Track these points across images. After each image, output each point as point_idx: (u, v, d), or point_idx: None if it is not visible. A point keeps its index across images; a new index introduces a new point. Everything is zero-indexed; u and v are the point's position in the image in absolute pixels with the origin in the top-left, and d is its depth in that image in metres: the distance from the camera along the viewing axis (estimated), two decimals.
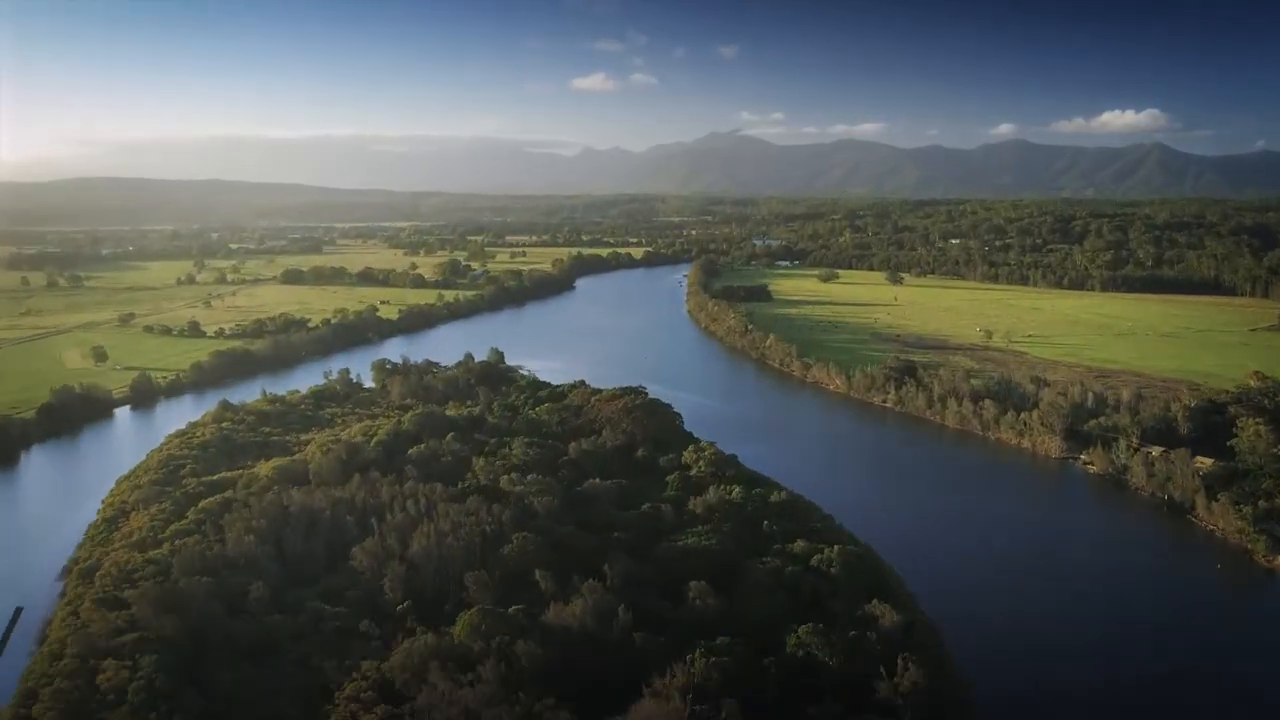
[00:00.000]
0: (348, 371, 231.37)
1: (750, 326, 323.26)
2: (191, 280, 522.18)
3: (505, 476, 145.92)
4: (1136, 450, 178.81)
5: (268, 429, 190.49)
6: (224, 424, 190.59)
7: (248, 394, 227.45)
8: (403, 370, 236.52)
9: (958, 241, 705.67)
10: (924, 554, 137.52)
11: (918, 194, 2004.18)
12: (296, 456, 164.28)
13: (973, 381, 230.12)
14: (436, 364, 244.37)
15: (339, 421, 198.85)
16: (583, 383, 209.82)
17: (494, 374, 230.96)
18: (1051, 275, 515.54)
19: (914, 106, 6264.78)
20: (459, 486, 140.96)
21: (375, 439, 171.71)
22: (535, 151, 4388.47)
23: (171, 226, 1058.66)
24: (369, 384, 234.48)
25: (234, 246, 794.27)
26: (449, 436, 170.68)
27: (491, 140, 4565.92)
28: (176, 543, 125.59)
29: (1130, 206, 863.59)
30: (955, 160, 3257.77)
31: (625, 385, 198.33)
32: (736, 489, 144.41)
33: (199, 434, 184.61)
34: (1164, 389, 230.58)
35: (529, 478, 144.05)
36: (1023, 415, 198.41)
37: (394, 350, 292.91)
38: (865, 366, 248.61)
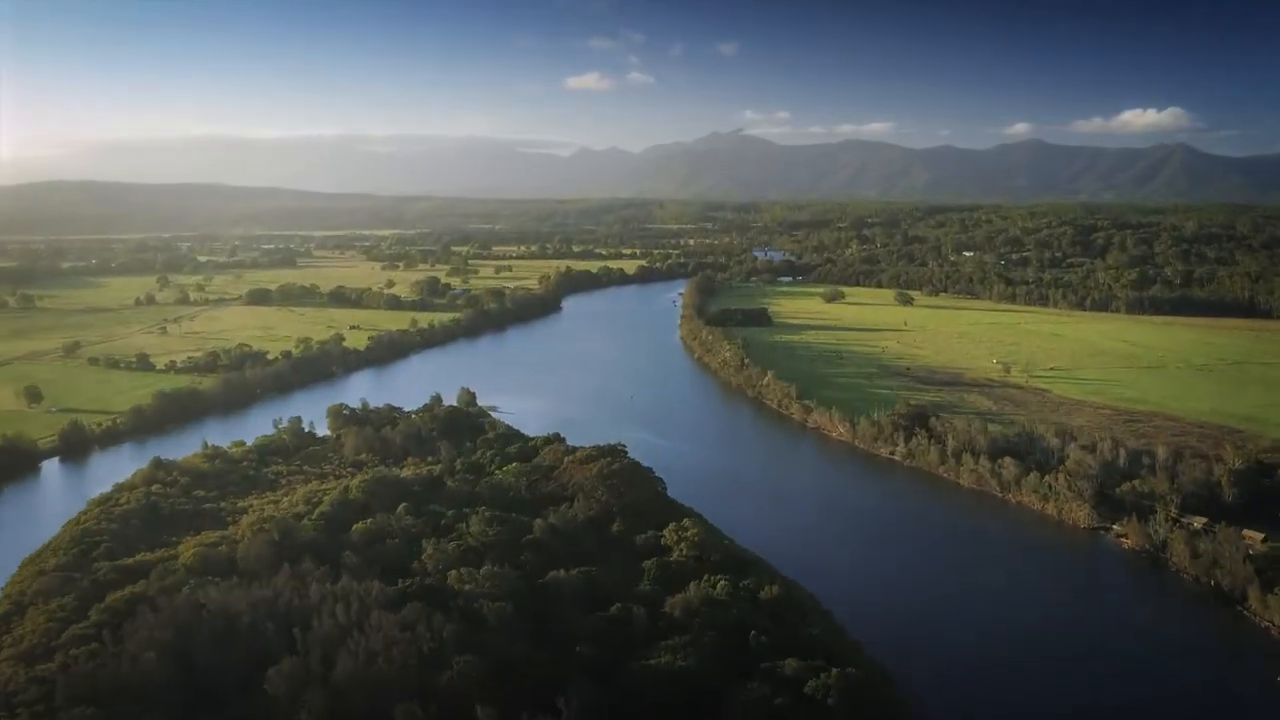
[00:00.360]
0: (299, 420, 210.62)
1: (746, 360, 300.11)
2: (151, 300, 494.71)
3: (455, 571, 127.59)
4: (1176, 522, 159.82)
5: (202, 492, 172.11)
6: (153, 487, 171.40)
7: (191, 442, 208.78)
8: (360, 418, 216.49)
9: (971, 254, 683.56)
10: (934, 659, 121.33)
11: (928, 197, 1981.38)
12: (226, 533, 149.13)
13: (991, 428, 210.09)
14: (399, 409, 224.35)
15: (284, 483, 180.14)
16: (558, 437, 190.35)
17: (461, 422, 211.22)
18: (1073, 295, 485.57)
19: (925, 105, 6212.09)
20: (399, 585, 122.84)
21: (318, 509, 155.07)
22: (529, 152, 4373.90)
23: (141, 235, 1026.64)
24: (323, 431, 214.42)
25: (203, 259, 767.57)
26: (400, 508, 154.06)
27: (484, 140, 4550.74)
28: (70, 653, 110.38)
29: (1154, 214, 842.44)
30: (968, 161, 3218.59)
31: (604, 442, 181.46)
32: (721, 582, 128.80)
33: (123, 500, 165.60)
34: (1202, 437, 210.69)
35: (483, 570, 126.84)
36: (1047, 477, 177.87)
37: (359, 386, 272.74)
38: (871, 411, 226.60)
